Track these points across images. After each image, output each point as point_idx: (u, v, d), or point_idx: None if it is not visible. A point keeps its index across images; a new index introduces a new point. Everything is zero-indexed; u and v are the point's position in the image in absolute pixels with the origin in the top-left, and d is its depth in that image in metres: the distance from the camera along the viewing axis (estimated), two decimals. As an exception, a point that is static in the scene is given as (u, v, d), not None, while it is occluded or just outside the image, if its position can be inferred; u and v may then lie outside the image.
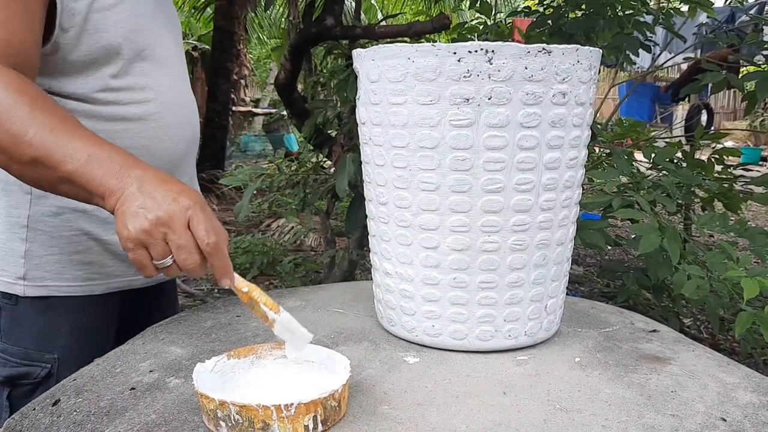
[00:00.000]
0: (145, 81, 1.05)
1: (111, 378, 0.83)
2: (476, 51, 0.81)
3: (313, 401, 0.68)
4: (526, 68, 0.82)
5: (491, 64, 0.81)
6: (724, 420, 0.74)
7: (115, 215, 0.80)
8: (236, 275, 0.83)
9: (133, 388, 0.80)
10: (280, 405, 0.67)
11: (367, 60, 0.90)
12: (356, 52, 0.93)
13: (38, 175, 0.83)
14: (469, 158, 0.84)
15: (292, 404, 0.67)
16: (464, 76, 0.82)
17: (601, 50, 0.91)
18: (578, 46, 0.85)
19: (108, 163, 0.81)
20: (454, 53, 0.81)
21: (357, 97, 0.96)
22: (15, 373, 1.04)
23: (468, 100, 0.82)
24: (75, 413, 0.75)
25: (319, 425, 0.70)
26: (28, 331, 1.05)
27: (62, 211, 1.03)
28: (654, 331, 1.04)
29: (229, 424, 0.68)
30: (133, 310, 1.16)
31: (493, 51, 0.81)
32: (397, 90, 0.86)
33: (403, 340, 0.96)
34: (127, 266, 1.10)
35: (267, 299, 0.82)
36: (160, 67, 1.08)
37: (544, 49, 0.82)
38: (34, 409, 0.79)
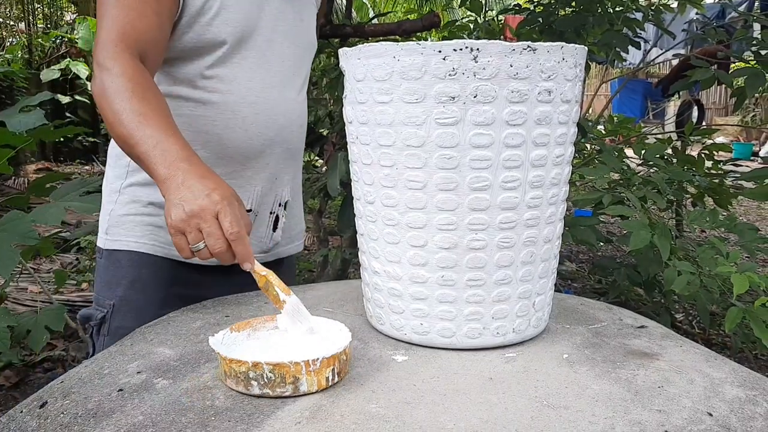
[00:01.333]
0: (236, 75, 1.17)
1: (98, 379, 0.83)
2: (461, 49, 0.81)
3: (333, 355, 0.78)
4: (511, 66, 0.82)
5: (476, 62, 0.81)
6: (711, 415, 0.75)
7: (165, 200, 0.94)
8: (256, 261, 0.95)
9: (120, 390, 0.80)
10: (308, 360, 0.76)
11: (353, 59, 0.90)
12: (342, 51, 0.93)
13: (125, 149, 1.00)
14: (456, 156, 0.84)
15: (317, 359, 0.77)
16: (450, 75, 0.82)
17: (586, 48, 0.92)
18: (563, 43, 0.85)
19: (167, 153, 0.94)
20: (440, 51, 0.81)
21: (344, 96, 0.95)
22: (87, 314, 1.24)
23: (454, 98, 0.82)
24: (62, 415, 0.75)
25: (336, 377, 0.80)
26: (101, 279, 1.25)
27: (148, 183, 1.18)
28: (642, 327, 1.05)
29: (261, 383, 0.76)
30: (194, 283, 1.25)
31: (478, 49, 0.81)
32: (383, 89, 0.86)
33: (392, 338, 0.97)
34: None
35: (280, 283, 0.93)
36: (259, 67, 1.20)
37: (529, 46, 0.82)
38: (21, 411, 0.78)
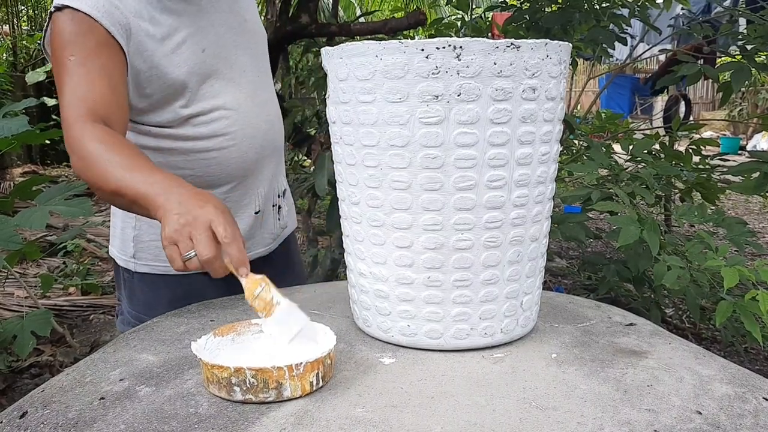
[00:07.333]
0: (213, 103, 1.22)
1: (80, 388, 0.82)
2: (444, 47, 0.80)
3: (317, 359, 0.77)
4: (494, 64, 0.81)
5: (459, 60, 0.80)
6: (700, 413, 0.74)
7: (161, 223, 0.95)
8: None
9: (102, 398, 0.78)
10: (291, 365, 0.75)
11: (336, 58, 0.88)
12: (324, 51, 0.92)
13: (117, 201, 1.06)
14: (440, 156, 0.83)
15: (300, 363, 0.76)
16: (433, 73, 0.81)
17: (570, 44, 0.91)
18: (547, 40, 0.84)
19: (159, 184, 0.98)
20: (422, 50, 0.80)
21: (326, 96, 0.94)
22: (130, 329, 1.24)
23: (437, 97, 0.81)
24: (42, 426, 0.73)
25: (320, 381, 0.79)
26: (139, 299, 1.33)
27: None
28: (631, 324, 1.04)
29: (244, 388, 0.75)
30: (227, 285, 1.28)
31: (461, 47, 0.80)
32: (366, 88, 0.85)
33: (379, 340, 0.95)
34: None
35: (274, 286, 0.90)
36: (229, 85, 1.24)
37: (512, 44, 0.81)
38: (1, 422, 0.77)
